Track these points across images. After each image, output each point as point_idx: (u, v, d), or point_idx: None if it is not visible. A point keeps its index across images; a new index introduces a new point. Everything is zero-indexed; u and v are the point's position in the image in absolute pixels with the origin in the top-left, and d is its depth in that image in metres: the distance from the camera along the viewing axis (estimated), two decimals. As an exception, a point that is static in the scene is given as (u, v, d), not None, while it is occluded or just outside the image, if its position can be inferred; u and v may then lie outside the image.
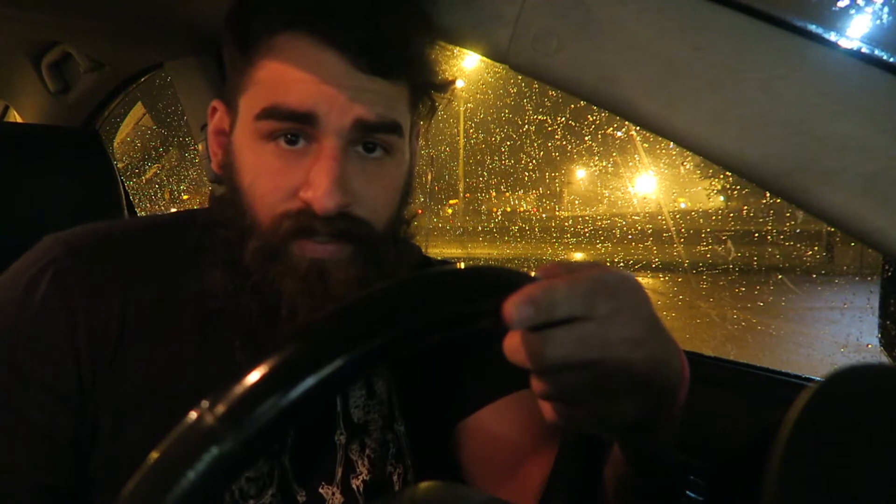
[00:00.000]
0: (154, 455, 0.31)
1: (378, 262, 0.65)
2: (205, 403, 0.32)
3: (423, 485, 0.43)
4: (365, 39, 0.61)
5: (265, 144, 0.63)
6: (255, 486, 0.66)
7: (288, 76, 0.61)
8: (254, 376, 0.32)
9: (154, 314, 0.67)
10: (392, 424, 0.75)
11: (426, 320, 0.37)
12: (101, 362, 0.64)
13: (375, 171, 0.65)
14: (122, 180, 1.41)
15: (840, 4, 0.61)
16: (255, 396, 0.32)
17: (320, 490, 0.69)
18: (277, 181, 0.63)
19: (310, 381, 0.32)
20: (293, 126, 0.62)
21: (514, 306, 0.40)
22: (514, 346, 0.44)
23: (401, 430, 0.75)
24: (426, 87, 0.70)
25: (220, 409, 0.31)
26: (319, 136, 0.62)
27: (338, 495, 0.70)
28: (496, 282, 0.41)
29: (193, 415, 0.32)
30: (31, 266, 0.66)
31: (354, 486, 0.71)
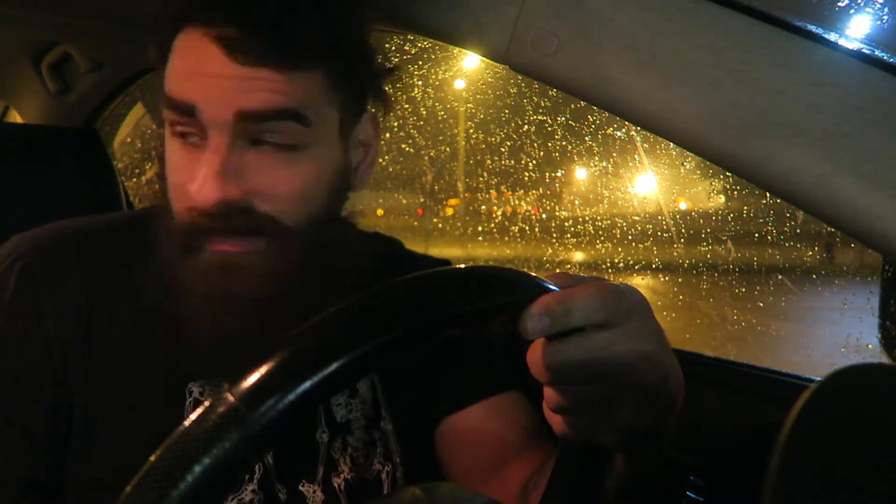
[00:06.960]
0: (173, 436, 0.30)
1: (293, 258, 0.63)
2: (226, 385, 0.31)
3: (424, 485, 0.43)
4: (245, 29, 0.59)
5: (174, 140, 0.64)
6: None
7: (177, 68, 0.62)
8: (284, 358, 0.32)
9: (118, 306, 0.69)
10: (378, 423, 0.75)
11: (447, 314, 0.37)
12: (72, 353, 0.66)
13: (278, 163, 0.62)
14: (121, 180, 1.41)
15: (840, 4, 0.61)
16: (284, 378, 0.31)
17: (301, 488, 0.69)
18: (181, 176, 0.63)
19: (334, 366, 0.32)
20: (181, 118, 0.61)
21: (531, 317, 0.40)
22: (535, 356, 0.44)
23: (388, 429, 0.75)
24: (347, 74, 0.65)
25: (243, 391, 0.31)
26: (206, 131, 0.61)
27: (319, 493, 0.70)
28: (509, 284, 0.41)
29: (215, 397, 0.31)
30: None
31: (336, 485, 0.71)
